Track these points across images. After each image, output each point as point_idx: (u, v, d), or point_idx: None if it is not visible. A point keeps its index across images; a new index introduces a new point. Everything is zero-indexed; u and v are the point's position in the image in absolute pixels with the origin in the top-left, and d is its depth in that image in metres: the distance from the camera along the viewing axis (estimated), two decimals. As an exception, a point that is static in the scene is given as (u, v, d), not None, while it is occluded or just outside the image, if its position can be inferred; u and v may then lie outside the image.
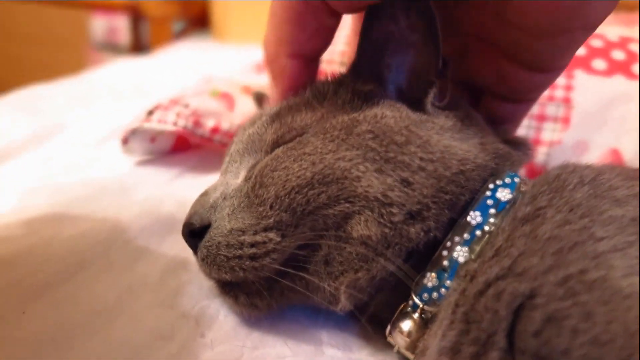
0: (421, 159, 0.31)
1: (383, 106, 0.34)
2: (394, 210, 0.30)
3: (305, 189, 0.31)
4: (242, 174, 0.35)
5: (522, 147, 0.39)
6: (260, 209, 0.32)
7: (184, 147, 0.61)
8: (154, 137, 0.57)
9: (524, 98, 0.40)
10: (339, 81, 0.36)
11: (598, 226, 0.27)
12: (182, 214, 0.46)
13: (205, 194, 0.35)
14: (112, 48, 2.22)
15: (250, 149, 0.36)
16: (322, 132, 0.33)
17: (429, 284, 0.31)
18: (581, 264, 0.25)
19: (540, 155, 0.55)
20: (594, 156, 0.54)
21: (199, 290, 0.37)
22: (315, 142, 0.32)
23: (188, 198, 0.49)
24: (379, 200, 0.30)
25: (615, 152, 0.53)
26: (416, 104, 0.34)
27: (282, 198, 0.31)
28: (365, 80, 0.35)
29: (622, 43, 0.58)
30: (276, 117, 0.36)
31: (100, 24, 2.22)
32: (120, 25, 2.13)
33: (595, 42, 0.58)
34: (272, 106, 0.40)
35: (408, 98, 0.35)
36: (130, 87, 0.89)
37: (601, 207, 0.28)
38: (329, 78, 0.37)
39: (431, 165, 0.31)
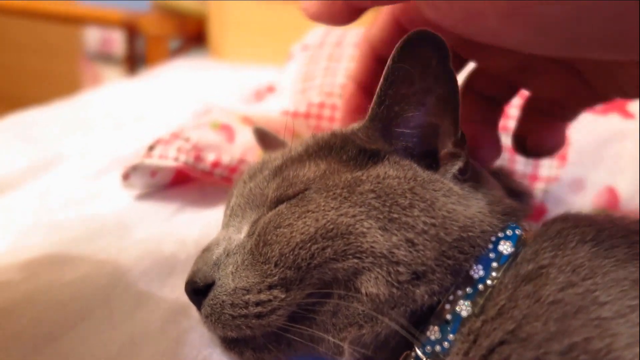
0: (424, 222, 0.31)
1: (388, 165, 0.34)
2: (401, 269, 0.30)
3: (309, 244, 0.31)
4: (245, 229, 0.35)
5: (524, 195, 0.39)
6: (265, 267, 0.32)
7: (183, 180, 0.61)
8: (154, 171, 0.57)
9: (575, 113, 0.40)
10: (347, 136, 0.36)
11: (601, 290, 0.27)
12: (183, 254, 0.47)
13: (208, 250, 0.35)
14: (106, 59, 2.22)
15: (251, 204, 0.36)
16: (325, 190, 0.33)
17: (432, 337, 0.31)
18: (585, 332, 0.25)
19: (537, 191, 0.56)
20: (590, 194, 0.55)
21: (201, 338, 0.37)
22: (318, 200, 0.32)
23: (189, 237, 0.49)
24: (386, 257, 0.30)
25: (611, 191, 0.54)
26: (425, 162, 0.34)
27: (287, 255, 0.31)
28: (374, 137, 0.35)
29: (617, 81, 0.59)
30: (278, 171, 0.36)
31: (94, 34, 2.22)
32: (115, 36, 2.13)
33: (590, 79, 0.59)
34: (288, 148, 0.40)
35: (418, 155, 0.35)
36: (127, 112, 0.89)
37: (603, 268, 0.28)
38: (337, 132, 0.37)
39: (433, 230, 0.31)
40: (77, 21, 1.88)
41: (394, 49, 0.32)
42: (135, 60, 1.93)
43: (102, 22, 1.82)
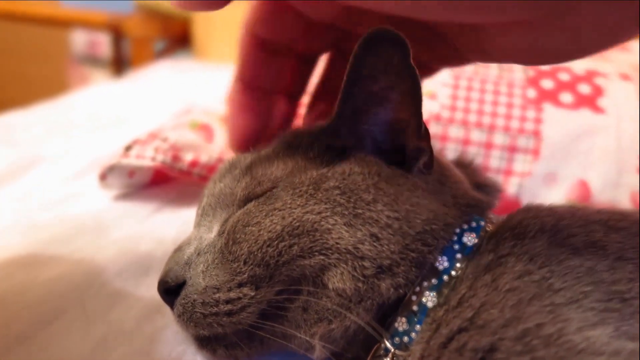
0: (388, 216, 0.32)
1: (353, 161, 0.34)
2: (366, 264, 0.31)
3: (276, 242, 0.32)
4: (215, 228, 0.36)
5: (491, 188, 0.40)
6: (234, 265, 0.32)
7: (163, 179, 0.61)
8: (132, 171, 0.57)
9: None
10: (315, 134, 0.37)
11: (556, 277, 0.28)
12: (160, 253, 0.47)
13: (179, 249, 0.35)
14: (92, 61, 2.21)
15: (222, 203, 0.36)
16: (291, 187, 0.33)
17: (400, 329, 0.32)
18: (538, 318, 0.26)
19: (512, 186, 0.57)
20: (563, 187, 0.56)
21: (175, 336, 0.37)
22: (284, 197, 0.33)
23: (166, 236, 0.50)
24: (351, 252, 0.31)
25: (583, 184, 0.55)
26: (392, 158, 0.35)
27: (255, 253, 0.32)
28: (341, 134, 0.35)
29: (588, 77, 0.60)
30: (248, 170, 0.36)
31: (81, 37, 2.21)
32: (101, 39, 2.12)
33: (562, 75, 0.61)
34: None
35: (384, 151, 0.35)
36: (110, 114, 0.89)
37: (559, 256, 0.29)
38: (305, 130, 0.38)
39: (397, 223, 0.32)
40: (63, 24, 1.87)
41: (356, 46, 0.32)
42: (121, 62, 1.92)
43: (87, 24, 1.82)
